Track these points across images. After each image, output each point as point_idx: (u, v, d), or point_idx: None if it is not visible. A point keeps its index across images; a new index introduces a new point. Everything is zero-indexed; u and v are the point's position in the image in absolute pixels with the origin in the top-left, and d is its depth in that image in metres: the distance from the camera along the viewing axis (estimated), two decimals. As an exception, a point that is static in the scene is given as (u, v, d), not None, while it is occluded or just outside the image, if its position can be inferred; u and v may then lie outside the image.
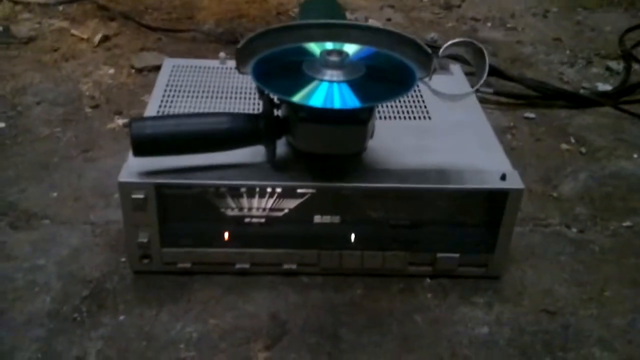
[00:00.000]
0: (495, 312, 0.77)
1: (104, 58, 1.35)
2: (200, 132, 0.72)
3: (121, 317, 0.74)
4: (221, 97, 0.91)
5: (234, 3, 1.66)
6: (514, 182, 0.76)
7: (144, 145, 0.71)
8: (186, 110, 0.87)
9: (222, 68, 0.98)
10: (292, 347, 0.71)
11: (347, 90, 0.69)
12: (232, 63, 0.96)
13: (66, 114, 1.14)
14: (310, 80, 0.71)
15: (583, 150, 1.11)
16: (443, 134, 0.85)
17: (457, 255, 0.79)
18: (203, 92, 0.92)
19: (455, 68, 1.01)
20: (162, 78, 0.95)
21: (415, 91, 0.93)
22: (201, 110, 0.87)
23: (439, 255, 0.79)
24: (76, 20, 1.51)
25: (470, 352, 0.72)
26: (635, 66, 1.41)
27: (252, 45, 0.74)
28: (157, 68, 1.14)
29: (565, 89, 1.30)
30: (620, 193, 1.00)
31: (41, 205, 0.91)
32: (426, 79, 0.74)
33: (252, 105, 0.89)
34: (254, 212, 0.76)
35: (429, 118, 0.89)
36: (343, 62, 0.72)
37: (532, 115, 1.21)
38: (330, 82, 0.70)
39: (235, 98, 0.91)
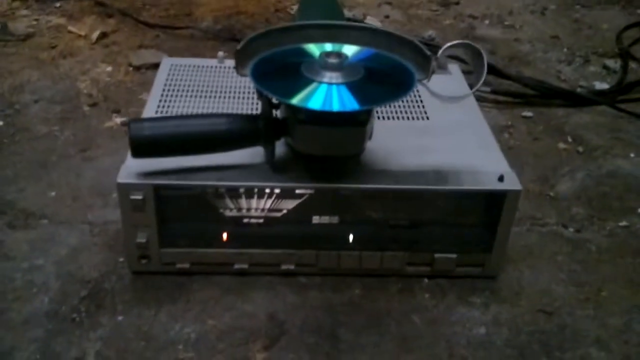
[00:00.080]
0: (492, 312, 0.78)
1: (102, 55, 1.34)
2: (199, 134, 0.72)
3: (120, 318, 0.74)
4: (220, 97, 0.91)
5: (232, -1, 1.66)
6: (512, 183, 0.76)
7: (143, 147, 0.71)
8: (185, 110, 0.87)
9: (221, 67, 0.98)
10: (290, 347, 0.72)
11: (346, 93, 0.69)
12: (230, 62, 0.97)
13: (64, 112, 1.14)
14: (309, 82, 0.71)
15: (580, 149, 1.11)
16: (441, 134, 0.85)
17: (454, 255, 0.80)
18: (201, 91, 0.92)
19: (454, 68, 1.01)
20: (161, 77, 0.95)
21: (413, 91, 0.93)
22: (200, 110, 0.87)
23: (437, 255, 0.80)
24: (73, 17, 1.51)
25: (468, 352, 0.72)
26: (632, 65, 1.42)
27: (250, 47, 0.74)
28: (155, 66, 1.14)
29: (562, 87, 1.30)
30: (617, 192, 1.01)
31: (39, 204, 0.91)
32: (425, 81, 0.74)
33: (251, 104, 0.89)
34: (253, 213, 0.77)
35: (427, 118, 0.89)
36: (342, 64, 0.72)
37: (529, 114, 1.21)
38: (329, 84, 0.70)
39: (234, 97, 0.91)
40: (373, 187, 0.75)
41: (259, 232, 0.78)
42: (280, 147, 0.76)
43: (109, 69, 1.29)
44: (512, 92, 1.26)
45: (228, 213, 0.76)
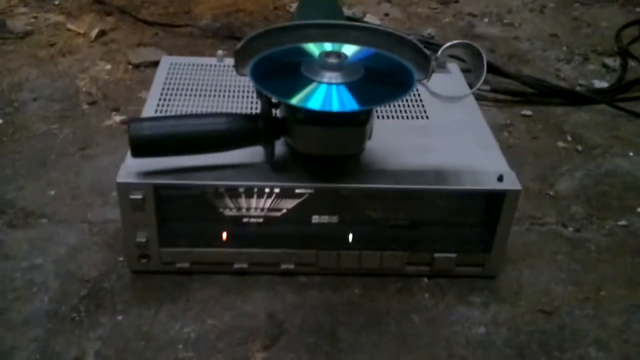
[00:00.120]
0: (491, 312, 0.78)
1: (101, 53, 1.34)
2: (198, 133, 0.72)
3: (119, 317, 0.74)
4: (219, 96, 0.91)
5: (230, -3, 1.66)
6: (511, 183, 0.76)
7: (143, 147, 0.71)
8: (184, 109, 0.87)
9: (220, 66, 0.98)
10: (290, 347, 0.72)
11: (345, 93, 0.69)
12: (229, 61, 0.97)
13: (63, 111, 1.14)
14: (308, 82, 0.70)
15: (579, 148, 1.12)
16: (441, 134, 0.85)
17: (454, 255, 0.80)
18: (201, 90, 0.92)
19: (453, 67, 1.01)
20: (160, 76, 0.95)
21: (413, 91, 0.93)
22: (199, 109, 0.87)
23: (437, 255, 0.80)
24: (72, 14, 1.51)
25: (467, 352, 0.73)
26: (632, 63, 1.42)
27: (250, 47, 0.74)
28: (154, 64, 1.14)
29: (561, 86, 1.30)
30: (616, 192, 1.01)
31: (39, 203, 0.91)
32: (424, 81, 0.74)
33: (251, 103, 0.89)
34: (253, 212, 0.77)
35: (427, 118, 0.89)
36: (342, 64, 0.72)
37: (528, 112, 1.21)
38: (329, 84, 0.70)
39: (234, 96, 0.91)
40: (373, 187, 0.75)
41: (258, 232, 0.78)
42: (279, 147, 0.76)
43: (108, 67, 1.29)
44: (512, 90, 1.26)
45: (228, 212, 0.76)
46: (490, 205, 0.77)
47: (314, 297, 0.78)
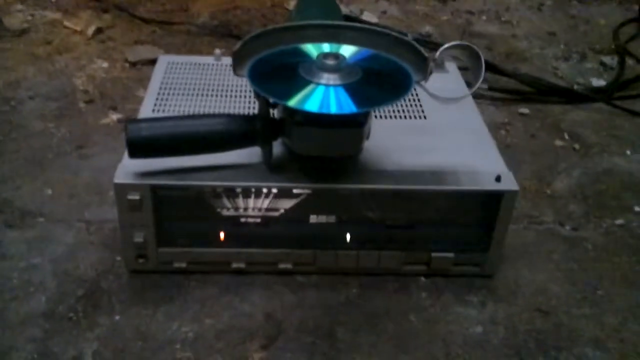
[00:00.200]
0: (489, 311, 0.78)
1: (98, 51, 1.34)
2: (196, 134, 0.72)
3: (117, 317, 0.74)
4: (217, 95, 0.90)
5: (228, -6, 1.65)
6: (509, 183, 0.76)
7: (140, 148, 0.71)
8: (181, 109, 0.87)
9: (218, 65, 0.98)
10: (287, 346, 0.72)
11: (343, 95, 0.69)
12: (227, 60, 0.96)
13: (60, 109, 1.13)
14: (306, 83, 0.70)
15: (577, 146, 1.12)
16: (438, 134, 0.85)
17: (451, 254, 0.80)
18: (198, 90, 0.91)
19: (451, 66, 1.01)
20: (157, 75, 0.94)
21: (411, 92, 0.93)
22: (197, 109, 0.87)
23: (434, 254, 0.80)
24: (69, 12, 1.50)
25: (464, 351, 0.73)
26: (629, 61, 1.42)
27: (248, 48, 0.74)
28: (152, 62, 1.14)
29: (559, 84, 1.30)
30: (613, 190, 1.01)
31: (36, 202, 0.91)
32: (422, 82, 0.74)
33: (248, 103, 0.89)
34: (250, 212, 0.77)
35: (425, 117, 0.89)
36: (339, 66, 0.72)
37: (526, 110, 1.21)
38: (327, 85, 0.70)
39: (231, 96, 0.91)
40: (370, 187, 0.75)
41: (256, 232, 0.78)
42: (277, 147, 0.76)
43: (105, 65, 1.29)
44: (509, 88, 1.26)
45: (225, 213, 0.76)
46: (488, 205, 0.77)
47: (312, 297, 0.78)
